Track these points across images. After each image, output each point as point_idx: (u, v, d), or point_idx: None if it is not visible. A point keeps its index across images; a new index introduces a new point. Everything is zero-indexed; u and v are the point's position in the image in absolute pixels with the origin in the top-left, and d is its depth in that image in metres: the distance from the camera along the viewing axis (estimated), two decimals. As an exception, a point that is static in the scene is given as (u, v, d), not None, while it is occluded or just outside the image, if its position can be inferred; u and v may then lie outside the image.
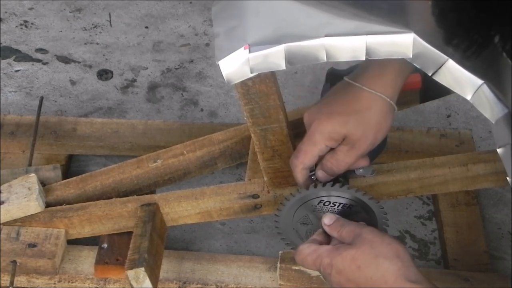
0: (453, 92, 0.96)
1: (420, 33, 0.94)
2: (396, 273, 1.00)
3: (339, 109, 1.12)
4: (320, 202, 1.16)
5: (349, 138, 1.12)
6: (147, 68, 1.80)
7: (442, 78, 0.95)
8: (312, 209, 1.17)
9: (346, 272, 1.03)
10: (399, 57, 0.95)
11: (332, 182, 1.14)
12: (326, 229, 1.11)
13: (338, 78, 1.22)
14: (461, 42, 0.80)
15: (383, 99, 1.11)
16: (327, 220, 1.11)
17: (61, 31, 1.86)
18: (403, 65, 1.11)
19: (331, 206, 1.16)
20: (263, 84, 1.07)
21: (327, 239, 1.11)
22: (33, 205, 1.29)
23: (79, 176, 1.36)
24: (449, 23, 0.80)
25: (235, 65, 0.98)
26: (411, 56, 0.94)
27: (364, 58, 0.96)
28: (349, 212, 1.15)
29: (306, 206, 1.16)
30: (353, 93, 1.12)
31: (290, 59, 0.97)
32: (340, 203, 1.15)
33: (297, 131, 1.20)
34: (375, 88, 1.11)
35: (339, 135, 1.12)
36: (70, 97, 1.73)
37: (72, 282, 1.31)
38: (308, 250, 1.08)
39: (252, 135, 1.16)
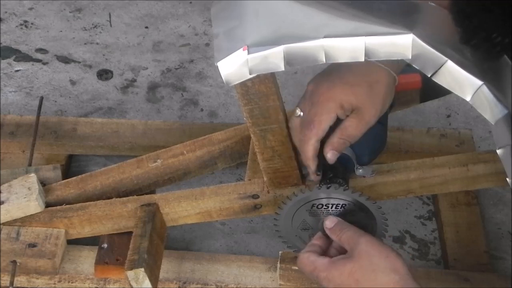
0: (453, 92, 0.96)
1: (419, 34, 0.94)
2: (393, 286, 1.01)
3: (350, 79, 1.11)
4: (313, 205, 1.16)
5: (359, 109, 1.12)
6: (147, 68, 1.80)
7: (441, 79, 0.95)
8: (309, 213, 1.17)
9: (344, 286, 1.03)
10: (398, 58, 0.95)
11: (330, 184, 1.15)
12: (327, 231, 1.12)
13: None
14: (482, 43, 0.79)
15: (390, 73, 1.12)
16: (329, 222, 1.11)
17: (61, 31, 1.86)
18: None
19: (324, 208, 1.16)
20: (262, 85, 1.07)
21: (327, 242, 1.12)
22: (33, 205, 1.29)
23: (79, 176, 1.36)
24: (469, 23, 0.78)
25: (234, 66, 0.98)
26: (410, 57, 0.94)
27: (363, 59, 0.96)
28: (346, 214, 1.15)
29: (301, 211, 1.16)
30: (362, 65, 1.08)
31: (289, 60, 0.97)
32: (333, 204, 1.15)
33: (297, 131, 1.20)
34: (383, 62, 1.11)
35: (350, 105, 1.12)
36: (70, 97, 1.73)
37: (72, 282, 1.31)
38: (306, 261, 1.09)
39: (252, 135, 1.16)
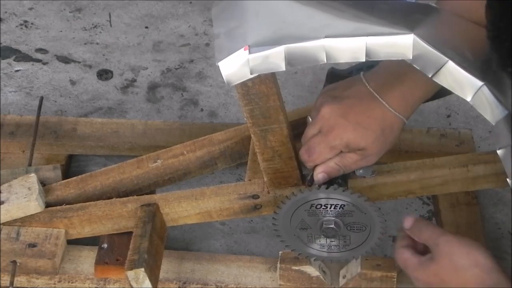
0: (454, 93, 0.96)
1: (420, 34, 0.94)
2: (475, 281, 1.02)
3: (365, 122, 1.11)
4: (312, 206, 1.16)
5: (365, 151, 1.13)
6: (147, 68, 1.80)
7: (442, 79, 0.95)
8: (308, 213, 1.17)
9: (432, 284, 1.06)
10: (399, 58, 0.95)
11: (328, 184, 1.15)
12: (408, 232, 1.12)
13: (338, 78, 1.22)
14: None
15: (403, 121, 1.13)
16: (407, 223, 1.12)
17: (61, 31, 1.86)
18: (429, 87, 1.11)
19: (323, 208, 1.16)
20: (263, 85, 1.07)
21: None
22: (33, 205, 1.29)
23: (79, 176, 1.36)
24: (506, 50, 0.78)
25: (235, 66, 0.98)
26: (411, 58, 0.94)
27: (364, 59, 0.96)
28: (345, 214, 1.15)
29: (301, 210, 1.17)
30: (379, 108, 1.11)
31: (290, 60, 0.97)
32: (332, 204, 1.15)
33: (297, 131, 1.20)
34: (399, 110, 1.11)
35: (358, 147, 1.12)
36: (70, 97, 1.73)
37: (72, 282, 1.31)
38: (400, 257, 1.11)
39: (252, 135, 1.16)
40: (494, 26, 0.78)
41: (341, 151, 1.14)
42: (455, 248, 1.05)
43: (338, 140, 1.12)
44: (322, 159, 1.15)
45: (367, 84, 1.12)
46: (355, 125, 1.11)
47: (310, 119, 1.17)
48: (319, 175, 1.16)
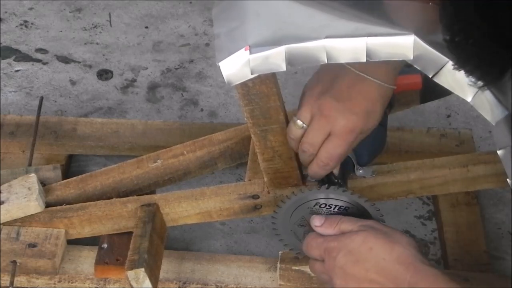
0: (454, 93, 0.97)
1: (421, 34, 0.94)
2: (411, 257, 1.01)
3: (370, 107, 1.10)
4: (316, 204, 1.16)
5: (362, 131, 1.12)
6: (147, 68, 1.80)
7: (442, 80, 0.95)
8: (309, 211, 1.17)
9: (356, 253, 1.03)
10: (400, 59, 0.95)
11: (328, 184, 1.15)
12: (319, 230, 1.11)
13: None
14: (475, 70, 0.78)
15: (389, 88, 1.11)
16: (317, 221, 1.11)
17: (61, 31, 1.86)
18: None
19: (327, 208, 1.16)
20: (263, 85, 1.07)
21: None
22: (33, 205, 1.29)
23: (79, 176, 1.36)
24: (462, 52, 0.78)
25: (236, 66, 0.98)
26: (411, 58, 0.94)
27: (364, 60, 0.96)
28: (345, 214, 1.16)
29: (302, 208, 1.17)
30: (371, 88, 1.10)
31: (290, 60, 0.97)
32: (336, 205, 1.15)
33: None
34: (390, 82, 1.10)
35: (369, 130, 1.12)
36: (70, 97, 1.73)
37: (72, 282, 1.31)
38: (313, 235, 1.10)
39: (252, 135, 1.16)
40: (447, 26, 0.78)
41: None
42: (389, 228, 1.06)
43: (349, 134, 1.10)
44: (342, 159, 1.14)
45: (352, 69, 1.10)
46: (363, 114, 1.09)
47: (299, 122, 1.13)
48: (313, 167, 1.15)
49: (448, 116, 1.71)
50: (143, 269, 1.19)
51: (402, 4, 0.99)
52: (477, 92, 0.93)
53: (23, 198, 1.29)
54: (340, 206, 1.15)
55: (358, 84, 1.10)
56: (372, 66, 1.08)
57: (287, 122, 1.15)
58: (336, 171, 1.18)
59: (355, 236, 1.04)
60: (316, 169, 1.15)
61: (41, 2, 1.92)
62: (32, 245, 1.30)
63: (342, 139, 1.11)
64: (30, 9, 1.91)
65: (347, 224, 1.08)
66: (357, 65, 1.09)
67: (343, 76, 1.11)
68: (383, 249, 1.02)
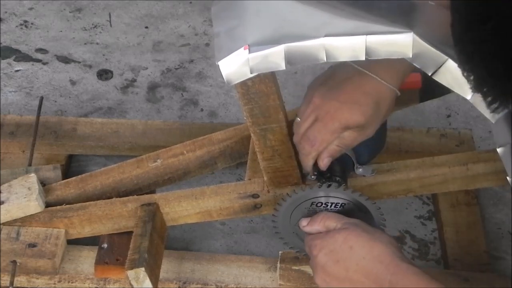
0: (453, 91, 0.96)
1: (420, 33, 0.94)
2: (391, 255, 1.02)
3: (360, 99, 1.11)
4: (313, 203, 1.16)
5: (363, 127, 1.12)
6: (147, 68, 1.80)
7: (442, 78, 0.95)
8: (307, 211, 1.17)
9: (337, 252, 1.04)
10: (399, 57, 0.95)
11: (329, 183, 1.15)
12: (307, 229, 1.12)
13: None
14: (491, 90, 0.76)
15: (393, 90, 1.12)
16: (304, 222, 1.13)
17: (61, 31, 1.86)
18: None
19: (324, 206, 1.16)
20: (262, 84, 1.07)
21: None
22: (33, 205, 1.29)
23: (79, 176, 1.36)
24: (479, 72, 0.76)
25: (235, 65, 0.98)
26: (411, 56, 0.94)
27: (364, 58, 0.96)
28: (344, 213, 1.15)
29: (300, 208, 1.17)
30: (369, 83, 1.11)
31: (290, 59, 0.97)
32: (336, 203, 1.15)
33: (297, 131, 1.20)
34: (391, 82, 1.11)
35: (358, 125, 1.12)
36: (70, 97, 1.73)
37: (72, 282, 1.31)
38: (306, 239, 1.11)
39: (252, 135, 1.16)
40: (458, 41, 0.76)
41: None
42: (370, 227, 1.07)
43: (337, 123, 1.12)
44: (325, 145, 1.14)
45: (354, 64, 1.11)
46: (350, 104, 1.11)
47: (299, 119, 1.16)
48: (324, 160, 1.16)
49: (448, 116, 1.71)
50: (143, 269, 1.19)
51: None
52: (476, 90, 0.93)
53: (23, 198, 1.29)
54: (340, 204, 1.15)
55: (355, 77, 1.11)
56: (377, 65, 1.09)
57: (287, 121, 1.15)
58: (337, 168, 1.18)
59: (337, 235, 1.06)
60: (300, 158, 1.17)
61: (41, 2, 1.92)
62: (32, 245, 1.30)
63: (323, 125, 1.12)
64: (30, 9, 1.91)
65: (332, 220, 1.10)
66: (369, 68, 1.11)
67: (342, 70, 1.13)
68: (363, 248, 1.03)
